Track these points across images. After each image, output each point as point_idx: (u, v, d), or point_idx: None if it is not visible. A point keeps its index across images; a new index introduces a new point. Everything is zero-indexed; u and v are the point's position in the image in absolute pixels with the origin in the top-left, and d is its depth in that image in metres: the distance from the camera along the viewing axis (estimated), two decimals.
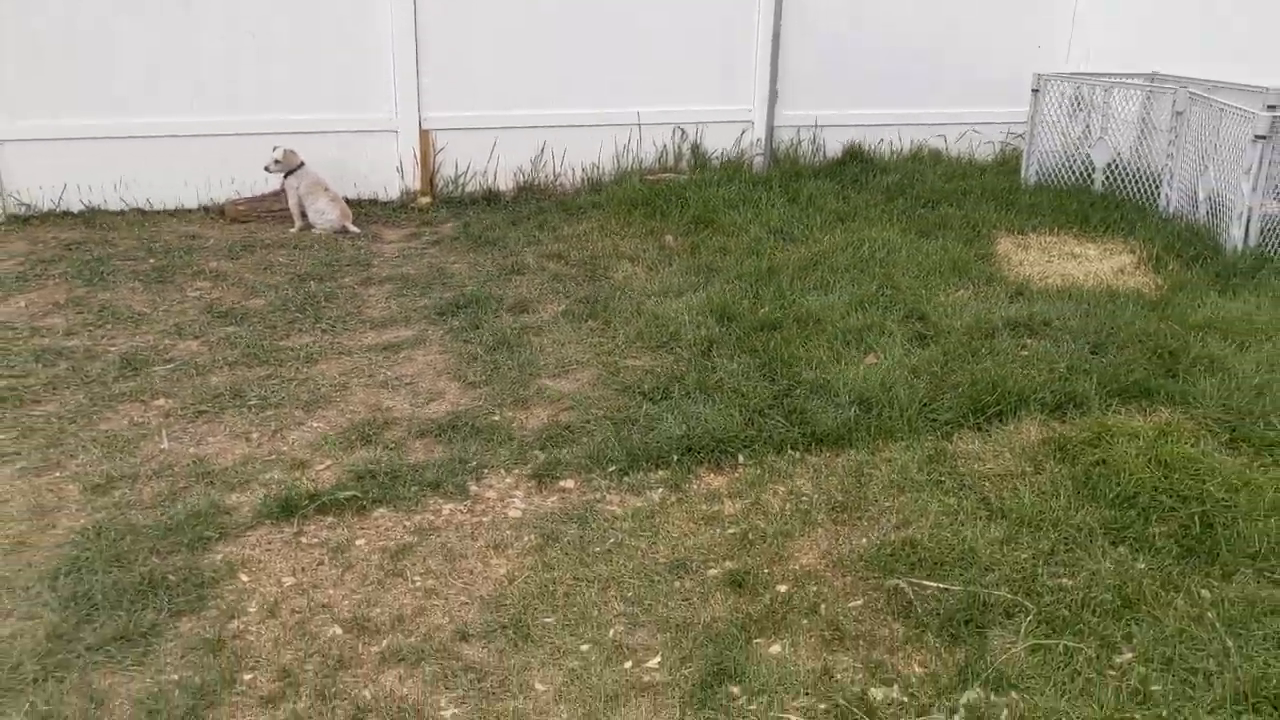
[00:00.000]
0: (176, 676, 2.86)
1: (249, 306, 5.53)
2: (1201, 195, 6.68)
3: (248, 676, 2.88)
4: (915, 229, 6.63)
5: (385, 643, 3.02)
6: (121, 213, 7.19)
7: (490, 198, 7.85)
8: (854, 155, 8.43)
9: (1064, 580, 3.25)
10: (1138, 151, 7.48)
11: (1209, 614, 3.09)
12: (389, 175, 7.85)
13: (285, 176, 7.07)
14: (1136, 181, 7.43)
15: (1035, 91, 7.85)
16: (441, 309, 5.47)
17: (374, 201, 7.78)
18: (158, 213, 7.28)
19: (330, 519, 3.62)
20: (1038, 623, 3.06)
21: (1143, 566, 3.31)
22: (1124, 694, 2.80)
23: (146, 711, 2.73)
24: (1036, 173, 7.98)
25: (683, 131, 8.33)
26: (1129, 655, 2.95)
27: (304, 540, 3.51)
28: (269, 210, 7.35)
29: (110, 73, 7.04)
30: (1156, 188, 7.21)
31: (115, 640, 2.99)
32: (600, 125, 8.11)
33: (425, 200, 7.82)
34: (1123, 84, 7.64)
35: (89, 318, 5.33)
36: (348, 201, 7.29)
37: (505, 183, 8.02)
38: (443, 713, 2.76)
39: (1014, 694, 2.79)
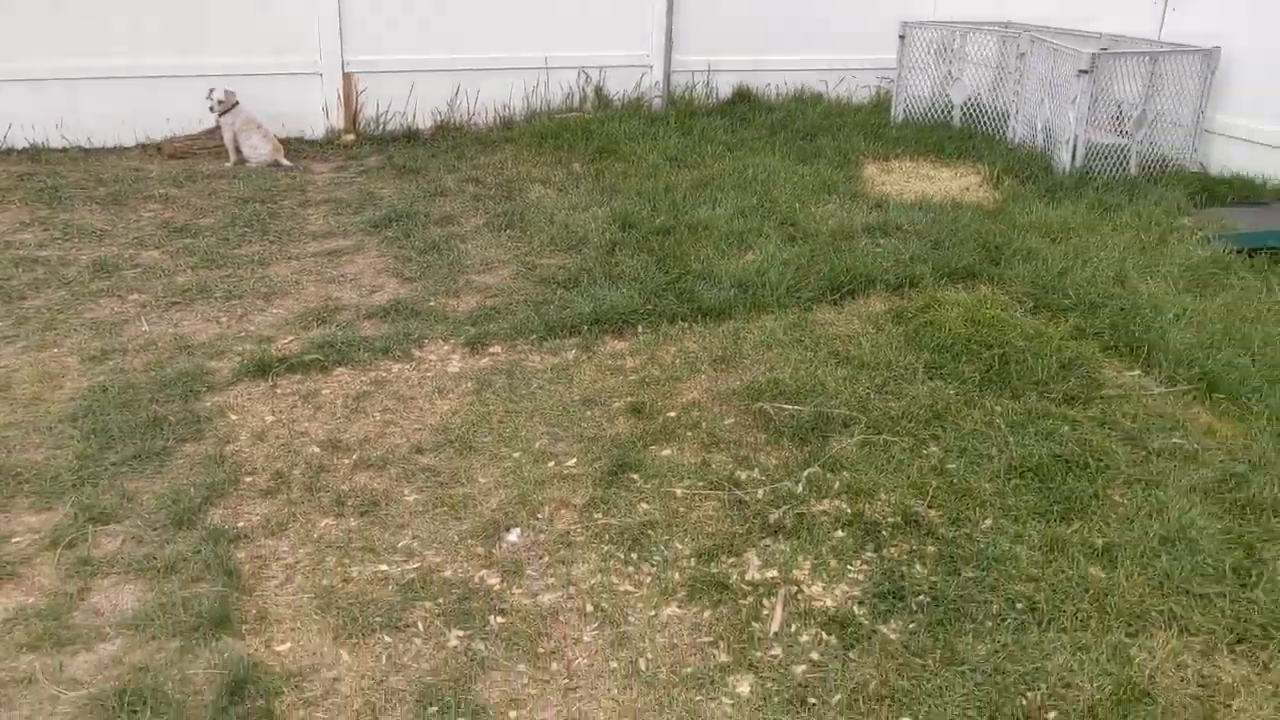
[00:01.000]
0: (190, 481, 3.59)
1: (201, 224, 6.17)
2: (1039, 126, 7.68)
3: (247, 479, 3.64)
4: (794, 156, 7.51)
5: (355, 456, 3.79)
6: (64, 150, 7.70)
7: (410, 135, 8.51)
8: (743, 97, 9.28)
9: (891, 402, 4.16)
10: (992, 91, 8.47)
11: (998, 420, 4.03)
12: (315, 115, 8.46)
13: (221, 115, 7.66)
14: (989, 117, 8.42)
15: (902, 38, 8.78)
16: (375, 223, 6.18)
17: (301, 140, 8.38)
18: (99, 150, 7.80)
19: (299, 376, 4.36)
20: (867, 429, 3.96)
21: (951, 392, 4.23)
22: (926, 470, 3.71)
23: (170, 502, 3.46)
24: (904, 111, 8.93)
25: (587, 75, 9.08)
26: (935, 448, 3.86)
27: (279, 391, 4.25)
28: (204, 147, 7.92)
29: (53, 17, 7.52)
30: (1005, 121, 8.20)
31: (134, 459, 3.70)
32: (511, 69, 8.82)
33: (349, 138, 8.46)
34: (977, 30, 8.61)
35: (55, 234, 5.91)
36: (277, 139, 7.90)
37: (424, 122, 8.68)
38: (407, 498, 3.55)
39: (845, 473, 3.69)
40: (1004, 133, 8.17)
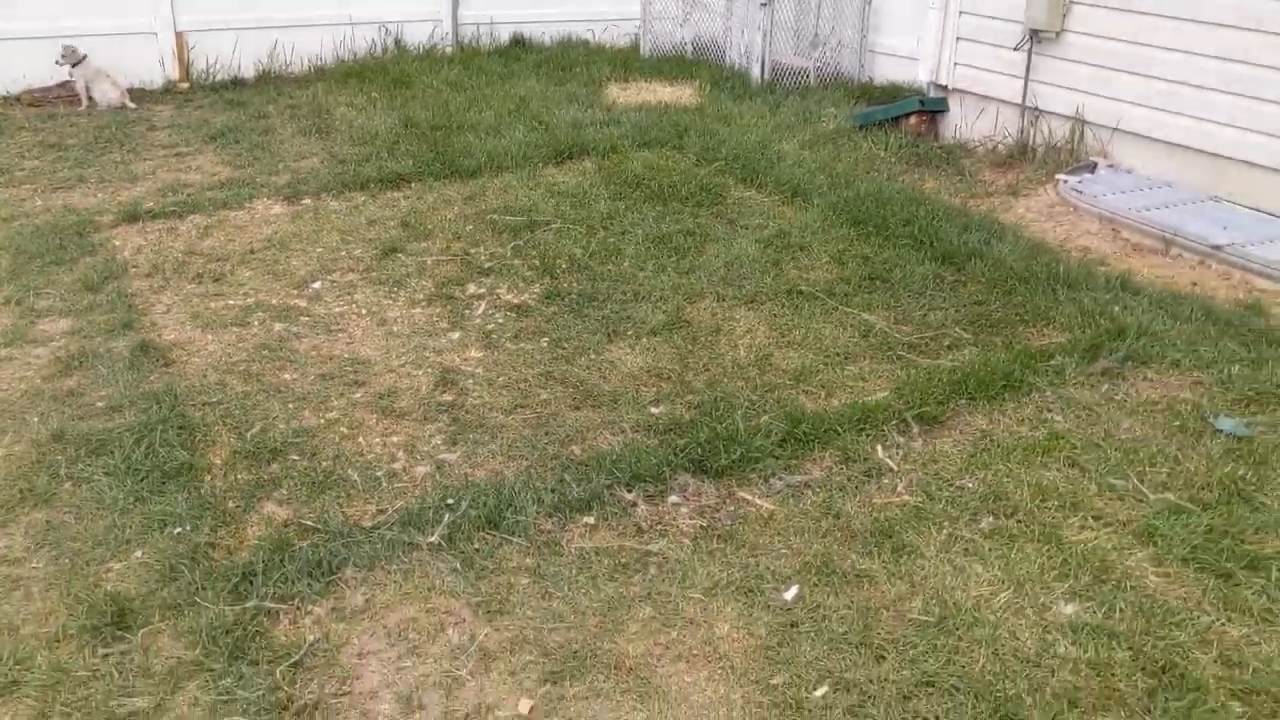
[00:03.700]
0: (92, 271, 5.32)
1: (68, 143, 7.75)
2: (743, 51, 9.85)
3: (133, 269, 5.39)
4: (552, 81, 9.48)
5: (207, 256, 5.58)
6: None
7: (237, 83, 10.12)
8: (518, 42, 11.20)
9: (580, 212, 6.14)
10: (720, 28, 10.60)
11: (649, 217, 6.06)
12: (153, 68, 9.99)
13: (73, 67, 9.16)
14: (714, 49, 10.56)
15: None
16: (211, 136, 7.87)
17: (143, 90, 9.88)
18: None
19: (161, 221, 6.10)
20: (560, 226, 5.94)
21: (622, 206, 6.25)
22: (593, 243, 5.71)
23: (81, 281, 5.19)
24: (651, 49, 10.99)
25: (387, 29, 10.85)
26: (603, 233, 5.86)
27: (147, 229, 5.99)
28: (59, 96, 9.39)
29: None
30: (724, 52, 10.35)
31: (51, 264, 5.40)
32: (322, 25, 10.49)
33: (184, 86, 10.04)
34: None
35: None
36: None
37: (248, 72, 10.30)
38: (244, 274, 5.37)
39: (539, 246, 5.66)
40: (723, 60, 10.31)
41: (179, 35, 9.96)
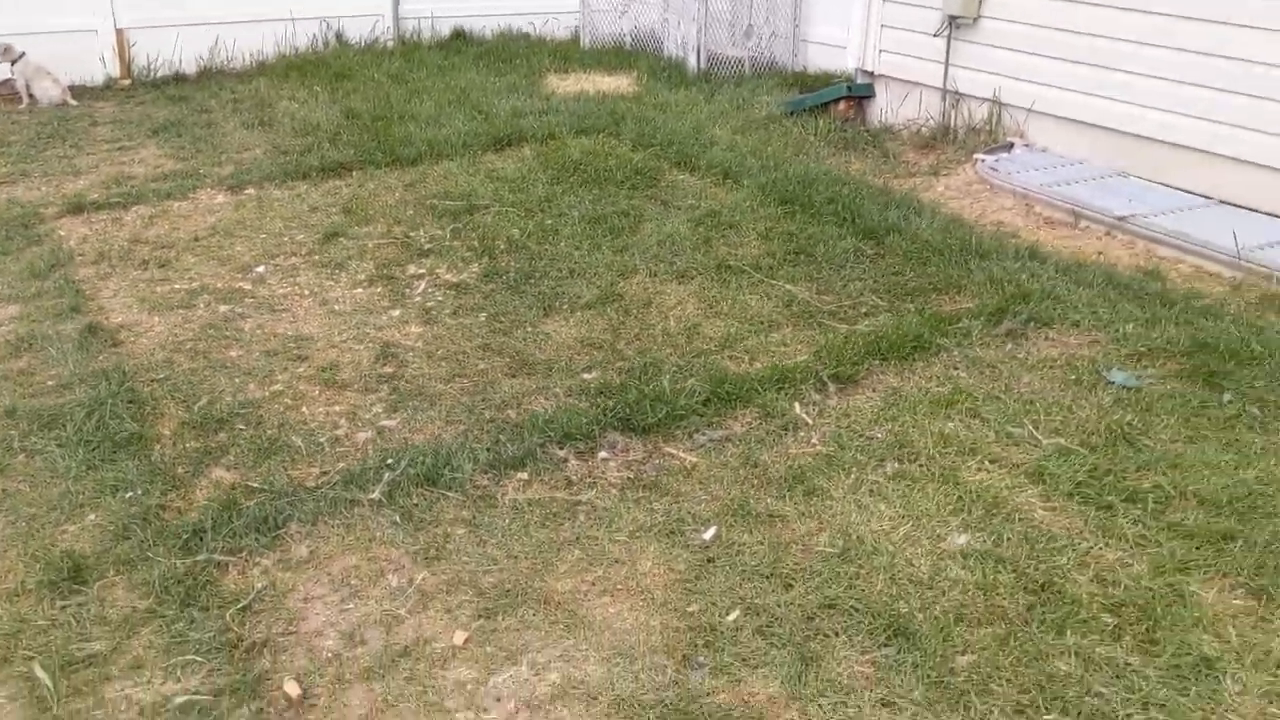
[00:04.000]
0: (39, 260, 5.45)
1: (10, 139, 7.82)
2: (680, 42, 10.09)
3: (79, 257, 5.52)
4: (492, 73, 9.67)
5: (151, 245, 5.71)
6: None
7: (179, 79, 10.18)
8: (459, 36, 11.37)
9: (519, 196, 6.34)
10: (659, 20, 10.83)
11: (586, 200, 6.28)
12: (94, 66, 10.03)
13: (12, 65, 9.20)
14: (652, 41, 10.79)
15: None
16: (154, 130, 7.98)
17: (84, 87, 9.92)
18: None
19: (106, 211, 6.22)
20: (499, 209, 6.14)
21: (560, 189, 6.46)
22: (531, 225, 5.93)
23: (28, 268, 5.32)
24: (590, 40, 11.21)
25: (328, 24, 10.96)
26: (540, 215, 6.08)
27: (92, 220, 6.11)
28: None
29: None
30: (662, 43, 10.58)
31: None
32: (262, 21, 10.59)
33: (126, 83, 10.09)
34: None
35: None
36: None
37: (189, 68, 10.37)
38: (189, 260, 5.52)
39: (479, 229, 5.86)
40: (661, 51, 10.55)
41: (120, 32, 10.02)
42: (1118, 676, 2.72)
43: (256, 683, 2.76)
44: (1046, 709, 2.62)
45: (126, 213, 6.20)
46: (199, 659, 2.82)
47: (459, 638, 2.91)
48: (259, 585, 3.12)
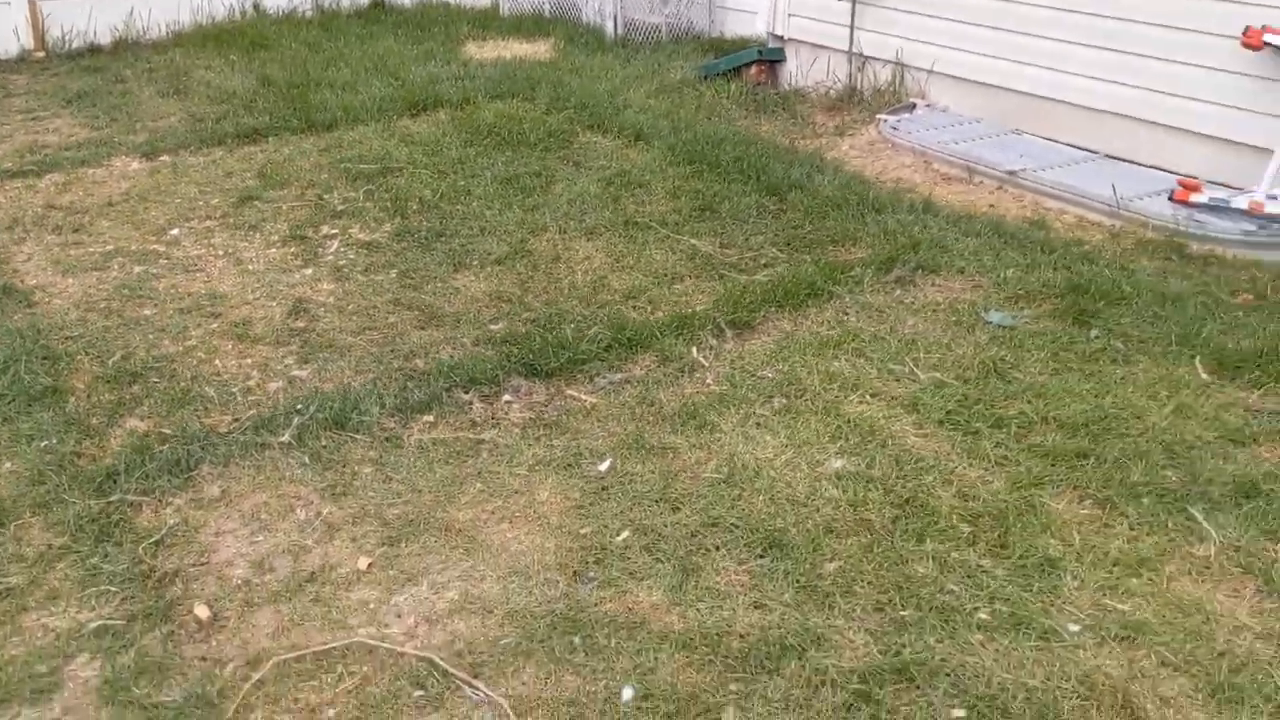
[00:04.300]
0: None
1: None
2: (598, 9, 10.21)
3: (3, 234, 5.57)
4: (410, 41, 9.72)
5: (66, 210, 5.76)
6: None
7: (94, 50, 10.09)
8: (378, 5, 11.38)
9: (432, 159, 6.46)
10: None
11: (499, 160, 6.42)
12: (7, 38, 9.90)
13: None
14: (570, 8, 10.90)
15: None
16: (68, 100, 7.95)
17: None
18: None
19: (18, 180, 6.23)
20: (412, 172, 6.26)
21: (473, 152, 6.60)
22: (443, 185, 6.05)
23: None
24: (510, 9, 11.28)
25: None
26: (453, 177, 6.21)
27: (6, 188, 6.12)
28: None
29: None
30: (580, 10, 10.70)
31: None
32: None
33: (40, 55, 9.99)
34: None
35: None
36: None
37: (104, 39, 10.27)
38: (103, 224, 5.58)
39: (391, 191, 5.98)
40: (579, 18, 10.66)
41: (33, 4, 9.91)
42: (969, 576, 2.97)
43: (168, 608, 2.91)
44: (903, 606, 2.87)
45: (40, 180, 6.22)
46: (113, 589, 2.97)
47: (363, 563, 3.08)
48: (171, 522, 3.26)
